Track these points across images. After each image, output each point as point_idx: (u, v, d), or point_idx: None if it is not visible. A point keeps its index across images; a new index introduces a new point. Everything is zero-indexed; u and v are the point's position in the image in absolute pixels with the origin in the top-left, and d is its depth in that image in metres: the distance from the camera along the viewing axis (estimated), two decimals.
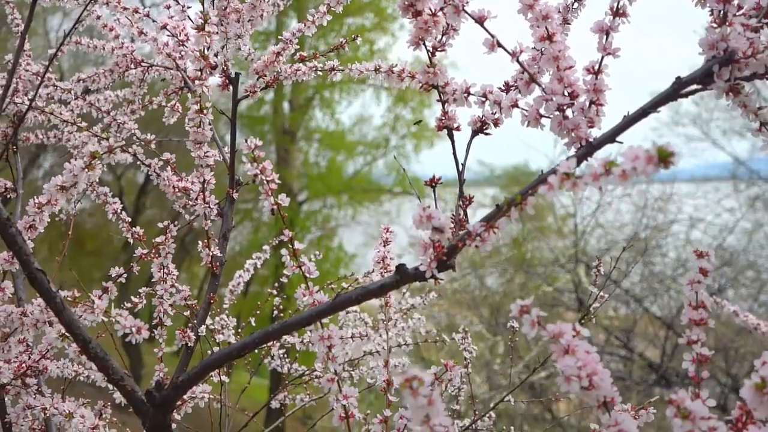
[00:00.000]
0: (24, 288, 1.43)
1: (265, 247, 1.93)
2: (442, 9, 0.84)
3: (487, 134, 0.92)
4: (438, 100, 0.92)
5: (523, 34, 0.87)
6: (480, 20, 0.82)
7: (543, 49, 0.82)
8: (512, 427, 1.71)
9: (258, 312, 1.87)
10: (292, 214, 9.99)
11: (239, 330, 1.76)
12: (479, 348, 7.28)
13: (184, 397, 1.24)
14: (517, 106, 0.86)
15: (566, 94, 0.80)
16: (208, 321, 1.57)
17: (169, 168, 1.30)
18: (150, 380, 1.07)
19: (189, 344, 1.17)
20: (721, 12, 0.71)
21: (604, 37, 0.80)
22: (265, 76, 1.35)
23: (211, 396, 1.33)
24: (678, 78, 0.72)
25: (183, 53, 1.35)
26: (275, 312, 1.96)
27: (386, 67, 1.15)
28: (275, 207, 0.90)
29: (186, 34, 1.32)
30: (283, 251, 0.91)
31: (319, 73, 1.34)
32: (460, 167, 0.90)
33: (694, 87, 0.72)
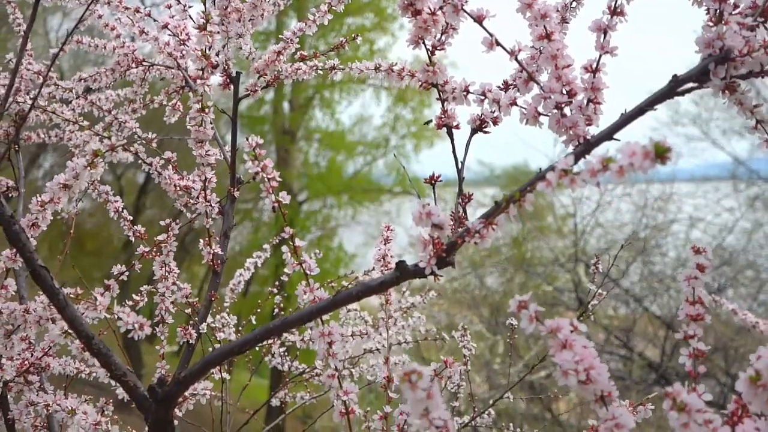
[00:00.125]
0: (26, 286, 1.44)
1: (266, 246, 1.93)
2: (441, 8, 0.85)
3: (486, 132, 0.93)
4: (437, 99, 0.93)
5: (521, 33, 0.88)
6: (479, 19, 0.83)
7: (541, 48, 0.83)
8: (511, 424, 1.71)
9: (259, 310, 1.88)
10: (292, 214, 10.00)
11: (240, 328, 1.77)
12: (479, 347, 7.31)
13: (186, 393, 1.25)
14: (516, 105, 0.87)
15: (564, 92, 0.81)
16: (209, 319, 1.58)
17: (170, 167, 1.31)
18: (150, 380, 1.08)
19: (190, 341, 1.18)
20: (717, 11, 0.72)
21: (602, 35, 0.80)
22: (266, 75, 1.35)
23: (212, 393, 1.34)
24: (674, 76, 0.72)
25: (184, 52, 1.36)
26: (276, 311, 1.97)
27: (386, 66, 1.15)
28: (276, 204, 0.91)
29: (187, 34, 1.33)
30: (284, 248, 0.92)
31: (320, 72, 1.35)
32: (460, 165, 0.91)
33: (690, 85, 0.73)
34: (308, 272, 0.90)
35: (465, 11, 0.83)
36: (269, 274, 9.48)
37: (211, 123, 1.10)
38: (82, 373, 1.27)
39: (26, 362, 1.15)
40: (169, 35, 1.35)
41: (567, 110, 0.80)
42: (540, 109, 0.83)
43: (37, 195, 0.98)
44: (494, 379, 6.81)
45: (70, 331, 0.99)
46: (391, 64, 1.14)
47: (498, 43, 0.84)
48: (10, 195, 1.52)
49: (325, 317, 0.89)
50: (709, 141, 8.89)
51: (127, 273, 1.15)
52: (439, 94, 0.92)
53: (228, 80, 1.32)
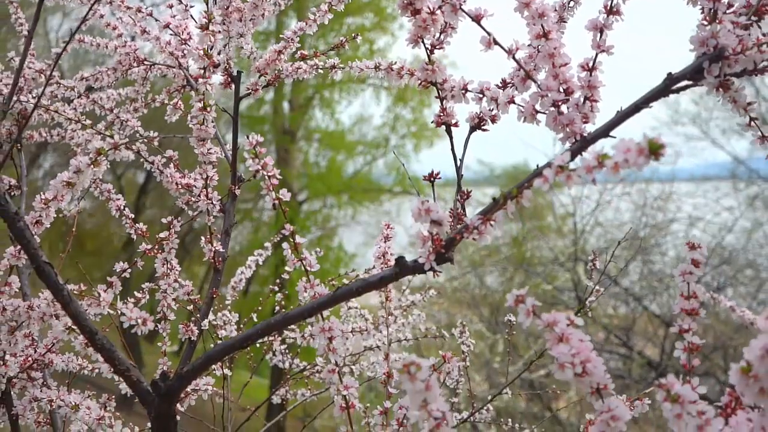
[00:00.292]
0: (28, 284, 1.45)
1: (267, 244, 1.94)
2: (440, 7, 0.86)
3: (484, 130, 0.94)
4: (436, 97, 0.94)
5: (520, 32, 0.89)
6: (477, 18, 0.84)
7: (539, 47, 0.84)
8: (510, 419, 1.72)
9: (260, 308, 1.89)
10: (292, 214, 9.90)
11: (241, 326, 1.78)
12: (479, 347, 7.32)
13: (188, 389, 1.26)
14: (514, 103, 0.88)
15: (561, 90, 0.82)
16: (211, 317, 1.59)
17: (172, 165, 1.32)
18: (150, 379, 1.09)
19: (192, 338, 1.19)
20: (711, 10, 0.73)
21: (598, 34, 0.81)
22: (267, 74, 1.36)
23: (214, 389, 1.35)
24: (669, 74, 0.74)
25: (185, 52, 1.37)
26: (277, 309, 1.98)
27: (386, 65, 1.16)
28: (276, 202, 0.92)
29: (188, 33, 1.34)
30: (285, 245, 0.93)
31: (320, 71, 1.36)
32: (458, 163, 0.92)
33: (685, 83, 0.74)
34: (309, 269, 0.91)
35: (463, 10, 0.84)
36: (269, 274, 9.50)
37: (212, 121, 1.11)
38: (84, 369, 1.29)
39: (29, 359, 1.16)
40: (171, 35, 1.36)
41: (564, 108, 0.81)
42: (537, 106, 0.84)
43: (41, 193, 0.99)
44: (494, 378, 6.82)
45: (73, 327, 1.01)
46: (390, 63, 1.15)
47: (496, 42, 0.85)
48: (12, 193, 1.53)
49: (325, 313, 0.90)
50: (709, 140, 8.91)
51: (129, 270, 1.16)
52: (438, 93, 0.93)
53: (229, 79, 1.33)
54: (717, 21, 0.73)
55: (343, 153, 11.43)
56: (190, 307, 1.28)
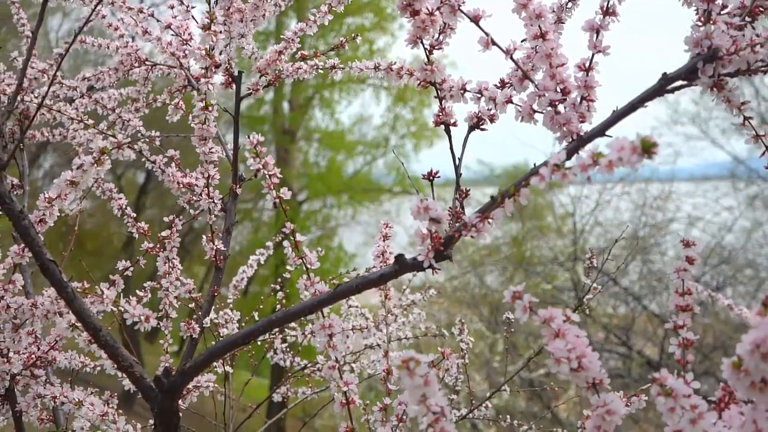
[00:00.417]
0: (31, 282, 1.47)
1: (269, 243, 1.96)
2: (439, 8, 0.87)
3: (483, 129, 0.95)
4: (435, 97, 0.95)
5: (519, 33, 0.90)
6: (475, 19, 0.85)
7: (536, 47, 0.85)
8: (508, 416, 1.74)
9: (261, 307, 1.90)
10: (292, 214, 9.94)
11: (242, 325, 1.79)
12: (479, 346, 7.32)
13: (190, 386, 1.27)
14: (512, 102, 0.89)
15: (558, 90, 0.83)
16: (212, 315, 1.61)
17: (173, 164, 1.33)
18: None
19: (194, 336, 1.20)
20: (706, 11, 0.74)
21: (595, 35, 0.83)
22: (268, 74, 1.38)
23: (215, 387, 1.37)
24: (664, 74, 0.75)
25: (186, 52, 1.38)
26: (278, 308, 1.99)
27: (385, 65, 1.18)
28: (277, 201, 0.93)
29: (189, 34, 1.35)
30: (286, 243, 0.94)
31: (320, 71, 1.37)
32: (457, 162, 0.93)
33: (679, 83, 0.75)
34: (309, 266, 0.92)
35: (462, 11, 0.86)
36: (269, 274, 9.51)
37: (214, 121, 1.13)
38: (86, 367, 1.30)
39: (33, 356, 1.17)
40: (172, 35, 1.37)
41: (561, 107, 0.83)
42: (535, 106, 0.85)
43: (45, 192, 1.01)
44: (494, 378, 6.84)
45: (77, 324, 1.02)
46: (390, 63, 1.17)
47: (494, 43, 0.86)
48: (15, 192, 1.54)
49: (326, 311, 0.91)
50: (709, 140, 8.92)
51: (131, 268, 1.18)
52: (437, 93, 0.95)
53: (230, 79, 1.35)
54: (711, 22, 0.74)
55: (343, 153, 11.44)
56: (192, 305, 1.29)
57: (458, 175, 0.92)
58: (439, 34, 0.93)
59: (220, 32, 1.10)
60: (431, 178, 0.93)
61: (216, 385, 1.38)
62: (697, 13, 0.76)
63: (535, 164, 0.80)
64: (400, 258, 0.83)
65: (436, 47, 0.93)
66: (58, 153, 9.80)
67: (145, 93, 1.58)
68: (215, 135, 1.21)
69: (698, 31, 0.74)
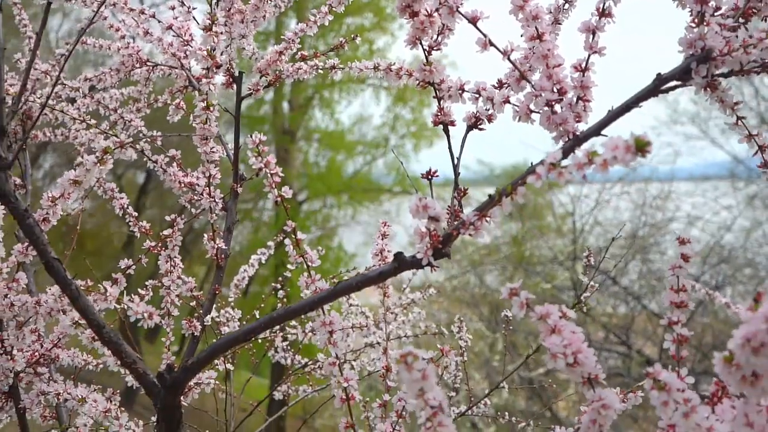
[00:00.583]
0: (34, 282, 1.48)
1: (270, 243, 1.97)
2: (437, 10, 0.88)
3: (481, 129, 0.96)
4: (434, 97, 0.97)
5: (517, 33, 0.91)
6: (473, 20, 0.87)
7: (533, 48, 0.86)
8: (507, 413, 1.75)
9: (262, 305, 1.91)
10: (292, 213, 9.98)
11: (243, 324, 1.80)
12: (479, 346, 7.33)
13: (191, 383, 1.29)
14: (509, 102, 0.90)
15: (555, 90, 0.84)
16: (214, 313, 1.62)
17: (174, 164, 1.34)
18: None
19: (195, 333, 1.21)
20: (699, 12, 0.75)
21: (591, 36, 0.84)
22: (268, 74, 1.39)
23: (216, 383, 1.38)
24: (659, 74, 0.76)
25: (187, 53, 1.39)
26: (279, 306, 2.00)
27: (385, 66, 1.19)
28: (279, 199, 0.94)
29: (190, 34, 1.36)
30: (287, 241, 0.95)
31: (320, 71, 1.39)
32: (455, 161, 0.95)
33: (673, 83, 0.76)
34: (310, 264, 0.93)
35: (460, 13, 0.87)
36: (269, 274, 9.52)
37: (215, 121, 1.14)
38: (90, 365, 1.31)
39: (36, 354, 1.18)
40: (173, 36, 1.39)
41: (557, 107, 0.84)
42: (532, 106, 0.86)
43: (48, 191, 1.02)
44: (493, 377, 6.85)
45: (80, 321, 1.03)
46: (389, 63, 1.18)
47: (491, 44, 0.87)
48: (17, 192, 1.55)
49: (326, 308, 0.92)
50: (708, 140, 8.93)
51: (133, 267, 1.19)
52: (436, 93, 0.96)
53: (231, 79, 1.36)
54: (705, 23, 0.75)
55: (342, 153, 11.45)
56: (193, 304, 1.30)
57: (456, 174, 0.93)
58: (438, 35, 0.94)
59: (221, 33, 1.11)
60: (430, 177, 0.94)
61: (217, 382, 1.40)
62: (691, 15, 0.78)
63: (532, 163, 0.81)
64: (399, 256, 0.84)
65: (435, 48, 0.95)
66: (58, 153, 9.82)
67: (147, 93, 1.59)
68: (216, 135, 1.22)
69: (692, 33, 0.75)
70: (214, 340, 1.30)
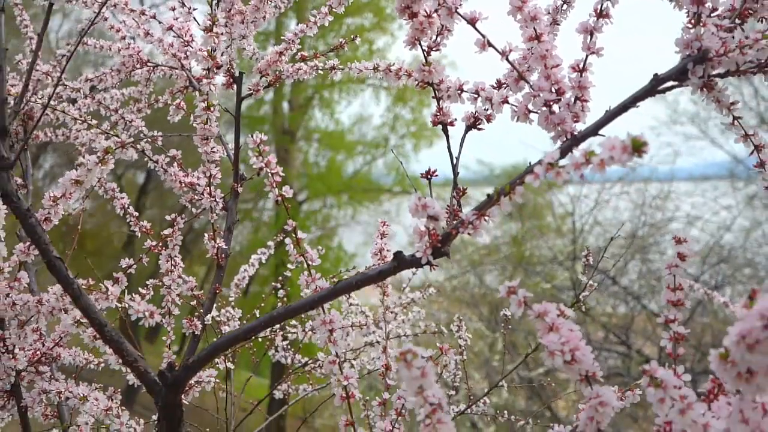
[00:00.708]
0: (35, 280, 1.49)
1: (270, 243, 1.98)
2: (436, 11, 0.89)
3: (479, 129, 0.97)
4: (433, 97, 0.97)
5: (516, 34, 0.92)
6: (472, 21, 0.87)
7: (531, 49, 0.87)
8: (506, 412, 1.75)
9: (263, 305, 1.92)
10: (292, 213, 10.00)
11: (244, 323, 1.81)
12: (478, 346, 7.33)
13: (192, 381, 1.29)
14: (508, 103, 0.91)
15: (553, 90, 0.85)
16: (214, 313, 1.62)
17: (175, 164, 1.35)
18: None
19: (196, 332, 1.22)
20: (695, 13, 0.76)
21: (588, 37, 0.85)
22: (268, 75, 1.40)
23: (217, 381, 1.39)
24: (655, 75, 0.77)
25: (188, 53, 1.40)
26: (279, 305, 2.01)
27: (384, 66, 1.20)
28: (279, 198, 0.95)
29: (191, 35, 1.37)
30: (287, 241, 0.96)
31: (320, 72, 1.39)
32: (454, 160, 0.95)
33: (670, 83, 0.77)
34: (310, 263, 0.94)
35: (459, 14, 0.88)
36: (269, 274, 9.53)
37: (215, 121, 1.14)
38: (91, 364, 1.32)
39: (38, 352, 1.19)
40: (174, 37, 1.39)
41: (555, 107, 0.85)
42: (530, 106, 0.87)
43: (50, 191, 1.03)
44: (493, 377, 6.86)
45: (82, 320, 1.04)
46: (388, 64, 1.18)
47: (490, 44, 0.88)
48: (19, 191, 1.56)
49: (326, 306, 0.93)
50: (708, 140, 8.93)
51: (134, 266, 1.19)
52: (435, 93, 0.97)
53: (231, 80, 1.36)
54: (701, 24, 0.76)
55: (342, 153, 11.46)
56: (194, 303, 1.31)
57: (455, 173, 0.94)
58: (437, 35, 0.95)
59: (222, 34, 1.12)
60: (429, 177, 0.95)
61: (217, 380, 1.40)
62: (687, 16, 0.78)
63: (530, 163, 0.82)
64: (398, 255, 0.85)
65: (434, 48, 0.95)
66: (58, 153, 9.83)
67: (147, 94, 1.60)
68: (217, 135, 1.23)
69: (688, 33, 0.76)
70: (215, 339, 1.31)
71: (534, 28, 0.86)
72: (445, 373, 1.77)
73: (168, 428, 0.93)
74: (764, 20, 0.79)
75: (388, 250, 1.16)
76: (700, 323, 6.73)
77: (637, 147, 0.60)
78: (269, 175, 0.93)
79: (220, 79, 1.34)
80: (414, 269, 1.32)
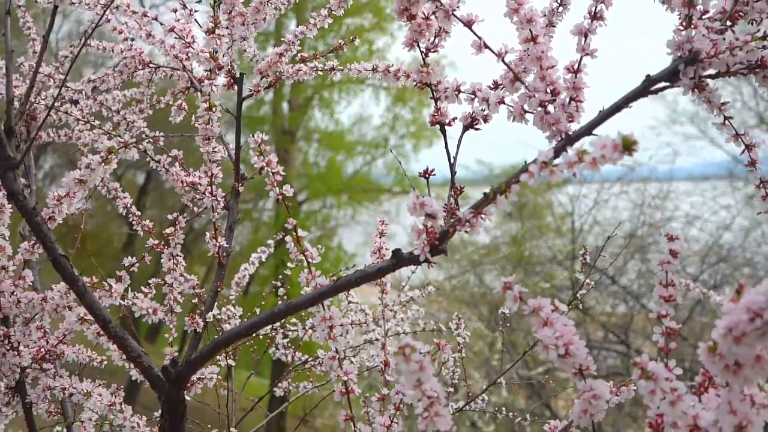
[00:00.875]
0: (38, 279, 1.51)
1: (270, 241, 2.00)
2: (434, 13, 0.91)
3: (477, 129, 0.99)
4: (431, 98, 0.99)
5: (514, 35, 0.93)
6: (468, 24, 0.89)
7: (527, 50, 0.88)
8: (504, 408, 1.77)
9: (263, 303, 1.94)
10: (292, 213, 10.01)
11: (244, 321, 1.82)
12: (478, 345, 7.33)
13: (194, 378, 1.31)
14: (504, 103, 0.93)
15: (548, 91, 0.87)
16: (215, 311, 1.64)
17: (177, 164, 1.37)
18: None
19: (198, 330, 1.24)
20: (687, 16, 0.78)
21: (583, 38, 0.86)
22: (268, 75, 1.41)
23: (218, 378, 1.40)
24: (648, 76, 0.78)
25: (189, 54, 1.42)
26: (279, 303, 2.02)
27: (383, 67, 1.21)
28: (280, 197, 0.97)
29: (192, 37, 1.39)
30: (288, 239, 0.97)
31: (320, 73, 1.41)
32: (452, 160, 0.97)
33: (662, 84, 0.79)
34: (310, 260, 0.96)
35: (456, 16, 0.89)
36: (269, 274, 9.55)
37: (217, 121, 1.16)
38: (94, 361, 1.33)
39: (42, 350, 1.21)
40: (175, 38, 1.41)
41: (550, 108, 0.86)
42: (525, 107, 0.89)
43: (54, 191, 1.04)
44: (493, 376, 6.87)
45: (85, 317, 1.06)
46: (387, 65, 1.20)
47: (486, 46, 0.89)
48: (23, 191, 1.58)
49: (326, 304, 0.95)
50: (707, 139, 8.96)
51: (136, 264, 1.21)
52: (433, 94, 0.98)
53: (232, 81, 1.38)
54: (692, 26, 0.77)
55: (342, 153, 11.48)
56: (195, 301, 1.33)
57: (453, 173, 0.96)
58: (435, 37, 0.96)
59: (223, 36, 1.14)
60: (427, 176, 0.97)
61: (219, 377, 1.42)
62: (679, 18, 0.80)
63: (526, 162, 0.83)
64: (397, 252, 0.87)
65: (432, 50, 0.97)
66: (58, 154, 9.85)
67: (149, 95, 1.62)
68: (218, 135, 1.25)
69: (680, 35, 0.78)
70: (216, 337, 1.33)
71: (530, 30, 0.88)
72: (444, 371, 1.79)
73: (171, 423, 0.95)
74: (754, 22, 0.81)
75: (387, 249, 1.18)
76: (699, 322, 6.75)
77: (628, 146, 0.62)
78: (270, 174, 0.94)
79: (221, 80, 1.36)
80: (413, 267, 1.35)
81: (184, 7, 1.38)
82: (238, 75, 1.39)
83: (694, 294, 2.05)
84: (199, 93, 1.19)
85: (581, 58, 0.86)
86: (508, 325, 1.89)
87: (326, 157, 11.54)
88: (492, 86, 0.96)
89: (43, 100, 1.57)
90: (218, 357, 1.69)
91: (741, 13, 0.81)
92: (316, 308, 0.93)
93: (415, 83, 1.01)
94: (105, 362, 1.31)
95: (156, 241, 1.23)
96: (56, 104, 1.56)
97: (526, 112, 0.89)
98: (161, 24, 1.44)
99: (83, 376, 1.35)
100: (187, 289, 1.30)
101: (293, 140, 11.00)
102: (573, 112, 0.85)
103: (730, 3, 0.80)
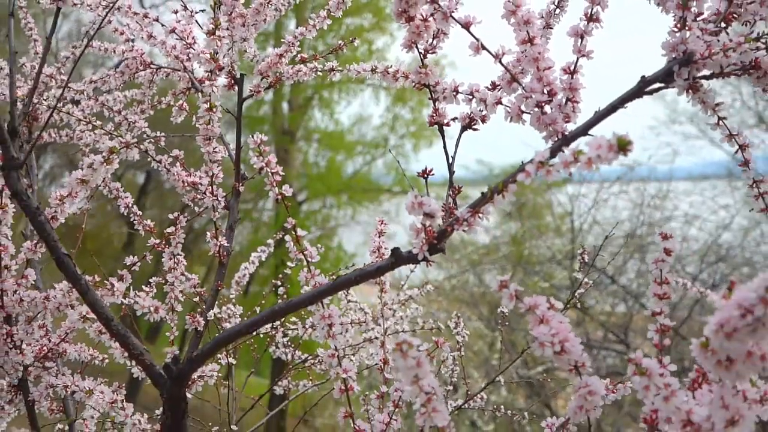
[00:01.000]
0: (40, 278, 1.52)
1: (270, 240, 2.01)
2: (432, 15, 0.92)
3: (475, 129, 1.00)
4: (429, 98, 1.00)
5: (511, 37, 0.95)
6: (466, 25, 0.90)
7: (525, 51, 0.90)
8: (502, 406, 1.78)
9: (263, 302, 1.95)
10: (292, 213, 10.02)
11: (244, 320, 1.83)
12: (478, 345, 7.33)
13: (195, 375, 1.32)
14: (501, 104, 0.94)
15: (545, 92, 0.88)
16: (216, 310, 1.65)
17: (178, 164, 1.38)
18: None
19: (199, 328, 1.25)
20: (681, 18, 0.79)
21: (579, 40, 0.87)
22: (268, 76, 1.42)
23: (218, 375, 1.41)
24: (643, 77, 0.79)
25: (190, 55, 1.43)
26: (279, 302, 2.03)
27: (382, 68, 1.22)
28: (279, 197, 0.98)
29: (193, 38, 1.40)
30: (287, 238, 0.99)
31: (319, 73, 1.42)
32: (450, 160, 0.98)
33: (657, 85, 0.80)
34: (310, 260, 0.97)
35: (453, 18, 0.90)
36: (269, 274, 9.56)
37: (217, 121, 1.17)
38: (96, 359, 1.35)
39: (44, 348, 1.22)
40: (176, 39, 1.42)
41: (547, 108, 0.87)
42: (523, 107, 0.90)
43: (56, 190, 1.06)
44: (492, 376, 6.88)
45: (88, 316, 1.07)
46: (386, 66, 1.21)
47: (483, 47, 0.91)
48: (27, 190, 1.59)
49: (326, 302, 0.96)
50: (707, 139, 8.96)
51: (138, 264, 1.22)
52: (431, 94, 0.99)
53: (233, 81, 1.39)
54: (686, 28, 0.79)
55: (342, 153, 11.49)
56: (196, 300, 1.34)
57: (451, 172, 0.97)
58: (433, 38, 0.98)
59: (224, 37, 1.15)
60: (426, 175, 0.98)
61: (219, 374, 1.43)
62: (674, 20, 0.81)
63: (522, 162, 0.84)
64: (396, 251, 0.88)
65: (431, 51, 0.98)
66: (58, 154, 9.86)
67: (150, 95, 1.63)
68: (219, 135, 1.26)
69: (674, 37, 0.79)
70: (216, 335, 1.34)
71: (527, 32, 0.89)
72: (443, 370, 1.80)
73: (173, 420, 0.96)
74: (748, 24, 0.82)
75: (386, 248, 1.19)
76: (699, 321, 6.76)
77: (622, 146, 0.63)
78: (269, 174, 0.96)
79: (221, 80, 1.37)
80: (412, 266, 1.36)
81: (185, 8, 1.39)
82: (238, 76, 1.40)
83: (693, 293, 2.06)
84: (199, 93, 1.20)
85: (577, 59, 0.87)
86: (507, 324, 1.90)
87: (326, 157, 11.55)
88: (490, 87, 0.97)
89: (45, 100, 1.58)
90: (219, 355, 1.70)
91: (735, 15, 0.82)
92: (315, 307, 0.94)
93: (413, 84, 1.02)
94: (107, 360, 1.32)
95: (157, 241, 1.24)
96: (58, 105, 1.57)
97: (523, 112, 0.90)
98: (162, 25, 1.46)
99: (85, 375, 1.36)
100: (187, 288, 1.32)
101: (293, 140, 11.01)
102: (569, 112, 0.86)
103: (724, 5, 0.81)
